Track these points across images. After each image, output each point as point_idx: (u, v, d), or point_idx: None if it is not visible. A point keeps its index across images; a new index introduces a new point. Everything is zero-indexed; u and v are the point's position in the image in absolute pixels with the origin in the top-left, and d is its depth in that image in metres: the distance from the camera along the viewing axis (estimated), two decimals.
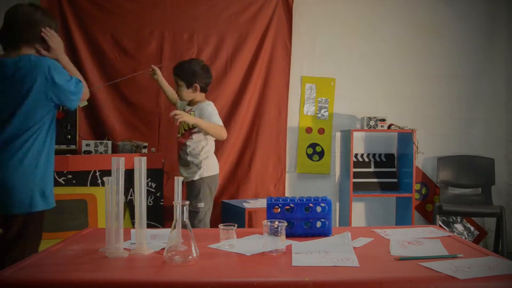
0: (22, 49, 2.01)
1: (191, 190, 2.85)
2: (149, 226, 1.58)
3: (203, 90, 2.92)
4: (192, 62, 2.94)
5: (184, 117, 2.69)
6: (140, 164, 1.48)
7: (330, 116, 4.08)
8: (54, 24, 2.10)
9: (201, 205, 2.83)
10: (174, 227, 1.37)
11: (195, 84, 2.86)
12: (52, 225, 2.86)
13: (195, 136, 2.85)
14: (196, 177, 2.84)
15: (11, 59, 1.97)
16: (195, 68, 2.88)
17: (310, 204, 1.73)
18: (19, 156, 1.94)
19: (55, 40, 2.09)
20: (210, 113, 2.83)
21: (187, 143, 2.86)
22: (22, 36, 2.01)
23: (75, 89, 2.06)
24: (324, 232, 1.71)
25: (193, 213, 2.80)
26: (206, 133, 2.83)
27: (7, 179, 1.92)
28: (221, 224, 1.59)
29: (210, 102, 2.94)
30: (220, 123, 2.85)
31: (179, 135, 2.93)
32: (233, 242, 1.57)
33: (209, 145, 2.92)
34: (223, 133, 2.84)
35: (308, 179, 4.07)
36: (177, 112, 2.69)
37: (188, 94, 2.90)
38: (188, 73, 2.86)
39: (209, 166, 2.89)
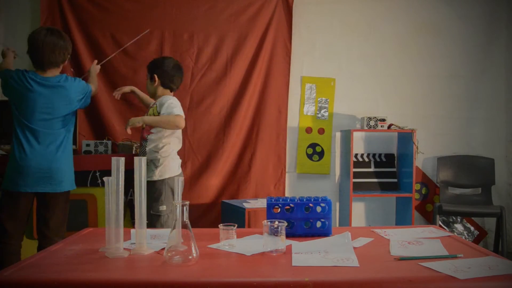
0: (52, 70, 2.57)
1: (152, 192, 2.64)
2: (149, 226, 1.58)
3: (164, 85, 2.80)
4: (165, 58, 2.89)
5: (130, 122, 2.62)
6: (140, 164, 1.48)
7: (330, 116, 4.08)
8: (69, 43, 2.62)
9: (163, 208, 2.66)
10: (174, 227, 1.37)
11: (154, 75, 2.78)
12: None
13: (155, 130, 2.71)
14: (156, 178, 2.67)
15: (53, 77, 2.56)
16: (163, 62, 2.81)
17: (310, 204, 1.73)
18: (62, 148, 2.57)
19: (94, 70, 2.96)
20: (170, 104, 2.67)
21: (148, 137, 2.72)
22: (50, 61, 2.53)
23: (89, 99, 2.77)
24: (324, 232, 1.71)
25: (155, 217, 2.65)
26: (163, 128, 2.68)
27: (58, 166, 2.52)
28: (221, 224, 1.59)
29: (172, 96, 2.82)
30: (177, 112, 2.65)
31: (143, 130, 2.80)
32: (233, 242, 1.57)
33: (172, 143, 2.75)
34: (178, 122, 2.61)
35: (308, 179, 4.07)
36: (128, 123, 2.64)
37: (150, 86, 2.83)
38: (154, 65, 2.82)
39: (170, 166, 2.72)
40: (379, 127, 3.83)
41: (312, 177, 4.08)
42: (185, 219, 1.37)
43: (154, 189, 2.66)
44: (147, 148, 2.70)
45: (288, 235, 1.64)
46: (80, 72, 3.61)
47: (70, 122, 2.66)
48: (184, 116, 2.67)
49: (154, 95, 2.85)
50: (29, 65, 2.70)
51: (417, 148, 3.83)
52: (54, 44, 2.52)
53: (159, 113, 2.69)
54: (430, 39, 4.16)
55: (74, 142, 3.11)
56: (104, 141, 3.34)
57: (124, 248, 1.48)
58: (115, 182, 1.46)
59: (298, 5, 3.97)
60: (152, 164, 2.68)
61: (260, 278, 1.24)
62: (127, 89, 3.10)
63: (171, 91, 2.85)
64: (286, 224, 1.50)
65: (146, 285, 1.19)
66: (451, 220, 4.17)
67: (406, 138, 3.93)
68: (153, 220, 2.63)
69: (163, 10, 3.77)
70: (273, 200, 1.75)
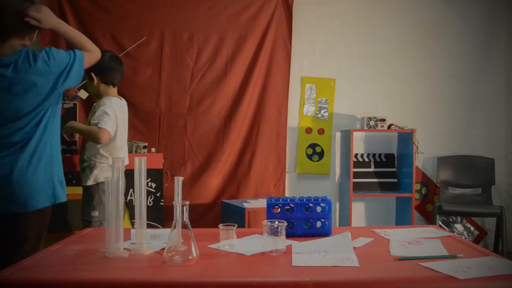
0: (12, 41, 1.96)
1: (85, 197, 2.56)
2: (149, 226, 1.58)
3: (105, 82, 2.61)
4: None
5: (64, 129, 2.46)
6: (140, 164, 1.48)
7: (330, 116, 4.08)
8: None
9: (95, 213, 2.51)
10: (174, 227, 1.37)
11: (91, 74, 2.56)
12: (52, 225, 2.87)
13: None
14: (90, 183, 2.52)
15: (9, 57, 1.92)
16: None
17: (310, 204, 1.73)
18: (36, 154, 1.97)
19: (43, 11, 1.98)
20: (102, 112, 2.45)
21: (86, 145, 2.60)
22: (10, 28, 1.94)
23: (78, 68, 2.08)
24: (324, 232, 1.71)
25: (86, 222, 2.51)
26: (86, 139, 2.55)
27: (24, 179, 1.93)
28: (221, 224, 1.59)
29: (113, 98, 2.58)
30: (103, 124, 2.39)
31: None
32: (233, 242, 1.57)
33: (110, 147, 2.55)
34: (97, 137, 2.37)
35: (308, 179, 4.07)
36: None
37: (90, 87, 2.63)
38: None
39: (104, 170, 2.54)
40: (379, 127, 3.83)
41: (312, 177, 4.08)
42: (185, 219, 1.37)
43: (87, 194, 2.55)
44: (85, 156, 2.58)
45: (288, 235, 1.64)
46: None
47: (44, 117, 2.00)
48: (110, 129, 2.43)
49: (98, 96, 2.65)
50: None
51: (417, 148, 3.83)
52: (17, 8, 1.92)
53: None
54: (430, 39, 4.16)
55: (74, 142, 3.11)
56: None
57: (124, 248, 1.48)
58: (115, 182, 1.46)
59: (298, 5, 3.97)
60: (89, 169, 2.55)
61: (260, 278, 1.24)
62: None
63: (114, 86, 2.66)
64: (286, 224, 1.50)
65: (146, 285, 1.19)
66: (451, 220, 4.17)
67: (406, 138, 3.93)
68: (84, 226, 2.49)
69: (163, 10, 3.77)
70: (273, 200, 1.75)
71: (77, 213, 2.89)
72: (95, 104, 2.67)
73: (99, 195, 2.52)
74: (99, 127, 2.38)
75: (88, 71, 2.51)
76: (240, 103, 3.86)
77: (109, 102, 2.51)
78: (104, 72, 2.58)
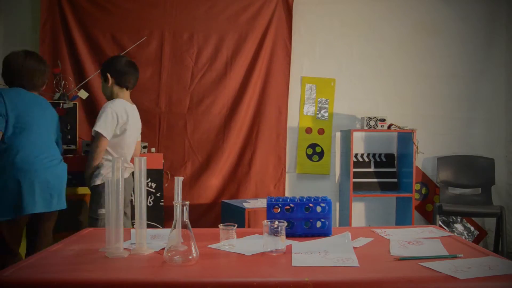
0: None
1: (93, 195, 2.63)
2: (149, 226, 1.58)
3: (119, 84, 2.72)
4: (117, 57, 2.86)
5: None
6: (140, 164, 1.48)
7: (330, 116, 4.08)
8: (45, 67, 2.57)
9: (102, 211, 2.56)
10: (174, 227, 1.37)
11: (107, 74, 2.70)
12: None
13: None
14: (98, 182, 2.59)
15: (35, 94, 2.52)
16: (114, 61, 2.75)
17: (310, 204, 1.73)
18: (59, 162, 2.54)
19: None
20: (100, 116, 2.58)
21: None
22: (27, 85, 2.48)
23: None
24: (324, 232, 1.71)
25: (93, 220, 2.58)
26: None
27: (60, 182, 2.51)
28: (221, 224, 1.59)
29: (117, 100, 2.68)
30: (99, 128, 2.56)
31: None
32: (233, 242, 1.57)
33: (115, 150, 2.66)
34: (95, 145, 2.58)
35: (308, 179, 4.07)
36: None
37: (105, 88, 2.75)
38: (105, 65, 2.75)
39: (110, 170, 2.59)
40: (379, 127, 3.83)
41: (312, 177, 4.08)
42: (185, 219, 1.37)
43: (95, 192, 2.61)
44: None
45: (288, 235, 1.64)
46: (81, 72, 3.61)
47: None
48: (105, 132, 2.56)
49: (110, 97, 2.75)
50: None
51: (417, 148, 3.83)
52: (34, 69, 2.48)
53: None
54: (430, 39, 4.16)
55: (74, 142, 3.11)
56: None
57: (124, 248, 1.48)
58: (115, 182, 1.46)
59: (298, 5, 3.97)
60: (98, 169, 2.63)
61: (260, 278, 1.24)
62: None
63: (127, 89, 2.78)
64: (286, 224, 1.50)
65: (146, 285, 1.19)
66: (451, 220, 4.17)
67: (406, 138, 3.93)
68: (91, 224, 2.57)
69: (163, 10, 3.77)
70: (273, 200, 1.75)
71: (77, 213, 2.90)
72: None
73: (105, 193, 2.53)
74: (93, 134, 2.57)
75: (104, 72, 2.73)
76: (240, 103, 3.86)
77: (109, 107, 2.61)
78: (119, 74, 2.71)
